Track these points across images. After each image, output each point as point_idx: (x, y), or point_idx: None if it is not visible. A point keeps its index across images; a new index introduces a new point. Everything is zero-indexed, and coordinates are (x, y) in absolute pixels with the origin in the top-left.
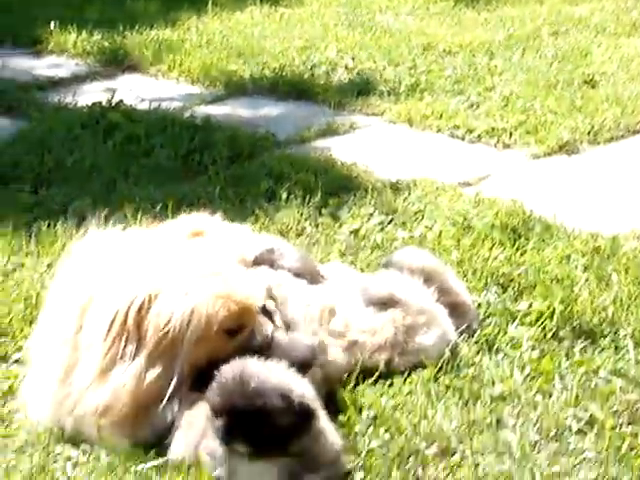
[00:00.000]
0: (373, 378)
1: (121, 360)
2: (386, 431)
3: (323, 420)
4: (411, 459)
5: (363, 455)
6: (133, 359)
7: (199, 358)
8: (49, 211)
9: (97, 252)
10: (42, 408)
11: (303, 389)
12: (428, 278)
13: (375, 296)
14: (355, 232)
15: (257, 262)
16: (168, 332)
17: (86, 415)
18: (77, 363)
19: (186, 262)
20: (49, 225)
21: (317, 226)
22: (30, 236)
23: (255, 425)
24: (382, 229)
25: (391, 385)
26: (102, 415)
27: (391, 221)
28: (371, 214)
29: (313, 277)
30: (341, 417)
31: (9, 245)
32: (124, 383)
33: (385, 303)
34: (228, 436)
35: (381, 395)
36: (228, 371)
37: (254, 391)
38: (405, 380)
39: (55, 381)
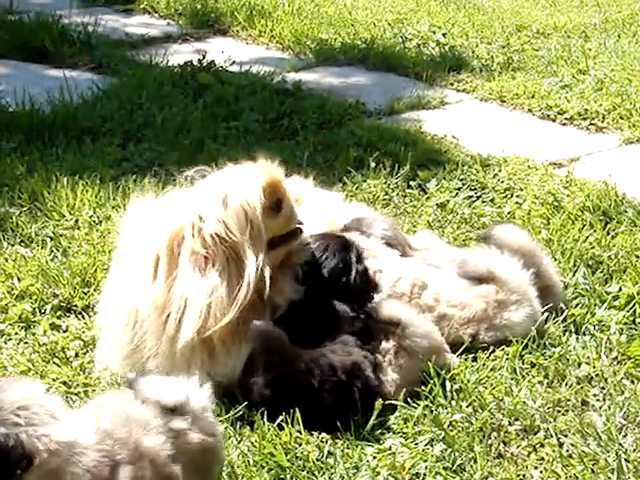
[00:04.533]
0: (459, 352)
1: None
2: (469, 405)
3: None
4: (493, 435)
5: (445, 427)
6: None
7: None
8: (136, 166)
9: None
10: (113, 358)
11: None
12: (524, 258)
13: (473, 270)
14: (443, 205)
15: (346, 229)
16: (227, 238)
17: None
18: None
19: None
20: (135, 180)
21: (405, 197)
22: (117, 189)
23: None
24: (470, 204)
25: (475, 359)
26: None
27: (479, 197)
28: (459, 188)
29: (403, 248)
30: (424, 388)
31: (96, 197)
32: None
33: (481, 278)
34: None
35: (465, 368)
36: None
37: None
38: (490, 355)
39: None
